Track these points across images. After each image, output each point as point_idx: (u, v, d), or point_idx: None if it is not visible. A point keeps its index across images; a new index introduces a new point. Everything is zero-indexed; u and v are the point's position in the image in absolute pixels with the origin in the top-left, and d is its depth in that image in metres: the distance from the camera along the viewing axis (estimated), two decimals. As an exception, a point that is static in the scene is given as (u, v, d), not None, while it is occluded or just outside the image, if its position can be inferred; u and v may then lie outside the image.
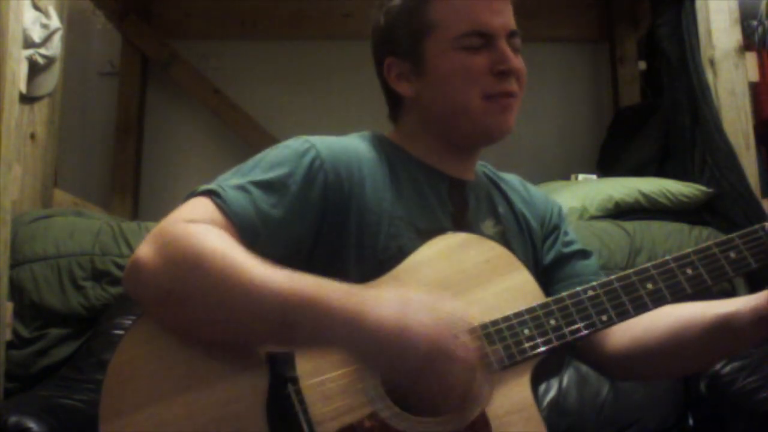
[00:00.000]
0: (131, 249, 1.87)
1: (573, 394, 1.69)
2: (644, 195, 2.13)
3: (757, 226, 0.96)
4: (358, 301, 0.83)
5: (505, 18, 1.08)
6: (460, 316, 0.92)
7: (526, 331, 0.92)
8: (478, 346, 0.89)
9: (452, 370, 0.82)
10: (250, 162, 1.02)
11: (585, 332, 0.93)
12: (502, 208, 1.14)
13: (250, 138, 3.05)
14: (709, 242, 0.96)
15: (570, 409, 1.68)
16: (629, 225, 1.99)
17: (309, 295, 0.82)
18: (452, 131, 1.08)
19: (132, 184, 3.06)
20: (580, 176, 2.52)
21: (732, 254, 0.94)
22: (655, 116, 2.60)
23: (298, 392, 0.86)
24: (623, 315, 0.94)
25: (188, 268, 0.84)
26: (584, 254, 1.17)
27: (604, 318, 0.93)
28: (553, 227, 1.18)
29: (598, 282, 0.96)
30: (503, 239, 1.08)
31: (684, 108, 2.30)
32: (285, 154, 1.00)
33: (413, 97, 1.09)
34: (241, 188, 0.95)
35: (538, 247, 1.15)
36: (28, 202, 2.02)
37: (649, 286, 0.94)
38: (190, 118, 3.18)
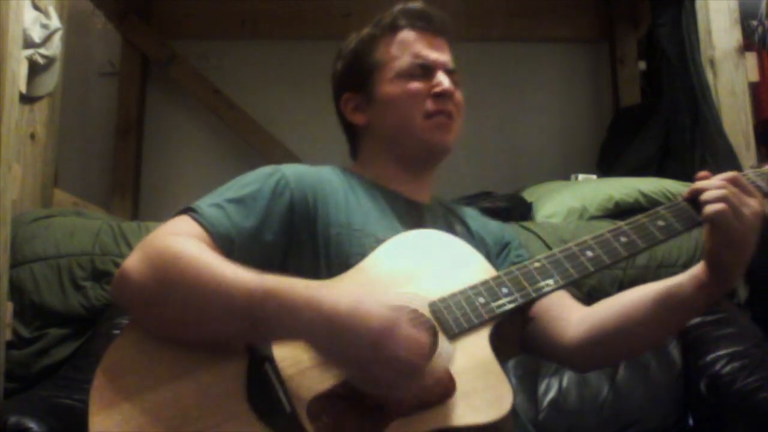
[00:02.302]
0: (131, 249, 1.85)
1: (573, 394, 1.69)
2: (644, 195, 2.13)
3: (680, 199, 1.06)
4: (316, 290, 0.90)
5: (443, 56, 1.25)
6: (419, 296, 1.01)
7: (481, 299, 1.01)
8: (428, 326, 0.97)
9: (402, 349, 0.86)
10: (224, 186, 1.14)
11: (534, 295, 1.02)
12: (459, 227, 1.26)
13: (250, 138, 3.05)
14: (639, 216, 1.06)
15: (570, 409, 1.68)
16: (629, 225, 1.99)
17: (272, 288, 0.89)
18: (400, 150, 1.23)
19: (132, 184, 3.05)
20: (580, 176, 2.52)
21: (660, 222, 1.05)
22: (655, 116, 2.60)
23: (275, 369, 0.93)
24: (567, 278, 1.03)
25: (168, 271, 0.93)
26: None
27: (551, 282, 1.03)
28: (505, 244, 1.30)
29: (543, 255, 1.06)
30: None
31: (684, 108, 2.30)
32: (254, 176, 1.14)
33: (366, 125, 1.26)
34: (216, 205, 1.07)
35: (492, 260, 1.22)
36: (28, 202, 2.02)
37: (589, 253, 1.04)
38: (190, 118, 3.18)
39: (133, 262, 0.96)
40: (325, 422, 0.89)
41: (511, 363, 1.73)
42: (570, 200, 2.16)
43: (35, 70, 2.01)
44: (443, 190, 2.43)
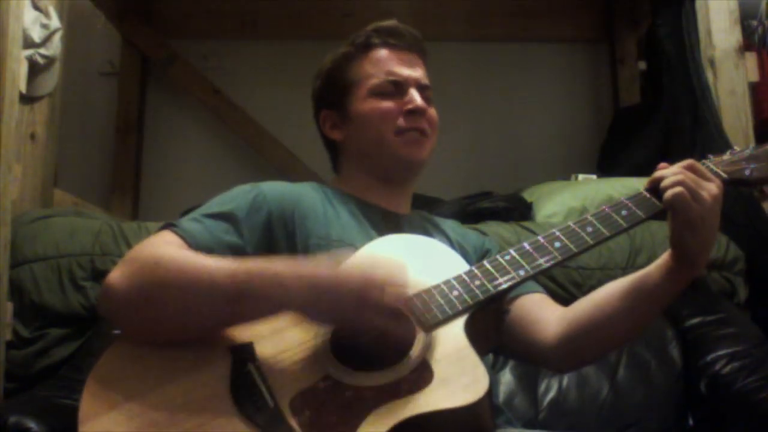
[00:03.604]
0: (131, 249, 1.87)
1: (573, 394, 1.69)
2: (644, 195, 2.13)
3: (642, 190, 1.10)
4: (295, 262, 0.98)
5: (416, 72, 1.29)
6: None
7: (455, 292, 1.04)
8: (407, 297, 1.01)
9: (383, 307, 0.94)
10: (204, 205, 1.18)
11: (506, 285, 1.05)
12: (437, 237, 1.28)
13: (250, 138, 3.05)
14: (603, 207, 1.10)
15: (570, 409, 1.68)
16: (629, 225, 1.99)
17: (254, 267, 0.97)
18: (375, 165, 1.28)
19: (132, 184, 3.05)
20: (580, 176, 2.52)
21: (623, 212, 1.08)
22: (655, 116, 2.60)
23: (258, 368, 0.96)
24: (537, 267, 1.06)
25: (152, 275, 0.98)
26: None
27: (522, 273, 1.05)
28: (485, 252, 1.34)
29: (513, 247, 1.09)
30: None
31: (684, 108, 2.30)
32: (233, 194, 1.19)
33: (343, 142, 1.32)
34: (196, 220, 1.12)
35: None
36: (28, 202, 2.02)
37: (557, 244, 1.07)
38: (190, 118, 3.17)
39: (116, 275, 1.00)
40: (307, 416, 0.91)
41: (511, 363, 1.73)
42: (570, 200, 2.16)
43: (35, 70, 2.01)
44: (443, 190, 2.44)
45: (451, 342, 0.99)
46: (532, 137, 3.14)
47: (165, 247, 1.04)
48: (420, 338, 0.99)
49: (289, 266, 0.97)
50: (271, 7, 3.15)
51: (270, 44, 3.20)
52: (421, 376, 0.94)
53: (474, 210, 2.14)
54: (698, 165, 1.07)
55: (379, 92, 1.26)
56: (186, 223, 1.11)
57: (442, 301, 1.03)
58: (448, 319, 1.01)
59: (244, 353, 0.98)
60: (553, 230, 1.09)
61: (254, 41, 3.20)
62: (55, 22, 2.06)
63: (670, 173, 1.05)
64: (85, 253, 1.85)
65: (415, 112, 1.25)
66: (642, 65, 3.12)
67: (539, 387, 1.71)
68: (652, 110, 2.65)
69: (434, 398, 0.91)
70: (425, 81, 1.30)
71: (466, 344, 0.98)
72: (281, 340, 0.99)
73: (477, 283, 1.05)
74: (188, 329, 0.98)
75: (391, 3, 2.87)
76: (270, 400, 0.93)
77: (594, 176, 2.55)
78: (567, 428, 1.65)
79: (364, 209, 1.26)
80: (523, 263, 1.06)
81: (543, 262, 1.06)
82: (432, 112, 1.29)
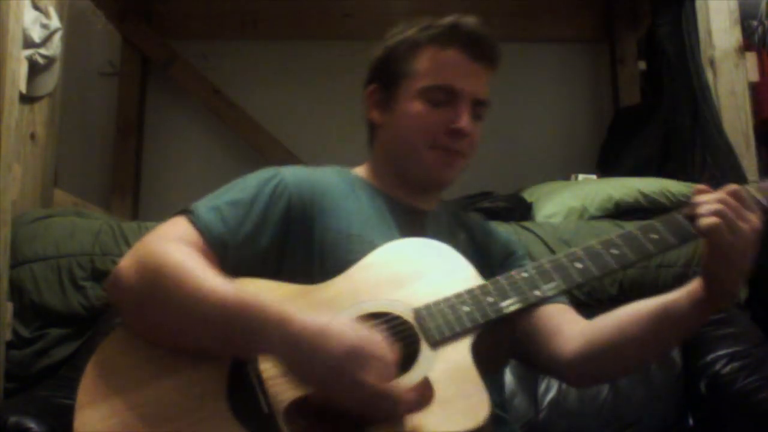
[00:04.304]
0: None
1: (573, 394, 1.69)
2: (644, 195, 2.13)
3: (676, 212, 1.03)
4: (288, 310, 0.90)
5: (476, 86, 1.18)
6: (403, 302, 1.01)
7: (466, 308, 0.99)
8: (409, 341, 0.96)
9: (365, 374, 0.86)
10: (223, 188, 1.13)
11: (519, 305, 1.01)
12: (461, 236, 1.24)
13: (250, 138, 3.05)
14: (633, 227, 1.04)
15: (570, 409, 1.68)
16: (629, 225, 1.98)
17: (246, 305, 0.91)
18: (401, 168, 1.20)
19: (132, 184, 3.06)
20: (580, 176, 2.52)
21: (653, 235, 1.02)
22: (655, 116, 2.60)
23: (257, 370, 0.94)
24: (555, 289, 1.02)
25: (154, 276, 0.95)
26: None
27: (537, 293, 1.01)
28: (509, 253, 1.28)
29: (531, 264, 1.05)
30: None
31: (684, 108, 2.30)
32: (253, 181, 1.13)
33: (380, 127, 1.23)
34: (213, 208, 1.07)
35: (496, 270, 1.19)
36: (28, 202, 2.02)
37: (578, 265, 1.02)
38: (190, 118, 3.18)
39: (125, 264, 0.99)
40: (301, 425, 0.89)
41: (511, 362, 1.73)
42: (570, 200, 2.16)
43: (35, 70, 2.01)
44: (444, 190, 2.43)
45: (456, 361, 0.95)
46: (532, 137, 3.14)
47: (173, 247, 0.99)
48: (424, 353, 0.96)
49: (281, 313, 0.90)
50: (271, 7, 3.15)
51: (270, 44, 3.20)
52: (423, 394, 0.90)
53: (474, 210, 2.14)
54: (742, 192, 0.97)
55: (430, 97, 1.16)
56: (203, 211, 1.06)
57: (451, 317, 0.98)
58: (455, 336, 0.97)
59: None
60: (576, 249, 1.03)
61: (254, 41, 3.20)
62: (55, 22, 2.06)
63: (711, 200, 0.97)
64: (85, 253, 1.85)
65: (458, 133, 1.15)
66: (642, 65, 3.13)
67: (539, 387, 1.71)
68: (652, 110, 2.65)
69: (432, 421, 0.88)
70: (484, 97, 1.19)
71: (470, 365, 0.94)
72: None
73: (489, 300, 1.00)
74: (182, 342, 0.95)
75: (391, 3, 2.88)
76: (265, 406, 0.91)
77: (594, 176, 2.55)
78: (567, 428, 1.65)
79: (389, 204, 1.20)
80: (540, 283, 1.02)
81: (562, 284, 1.01)
82: (477, 132, 1.19)
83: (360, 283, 1.04)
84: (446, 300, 1.01)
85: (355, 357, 0.86)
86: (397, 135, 1.19)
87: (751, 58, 2.25)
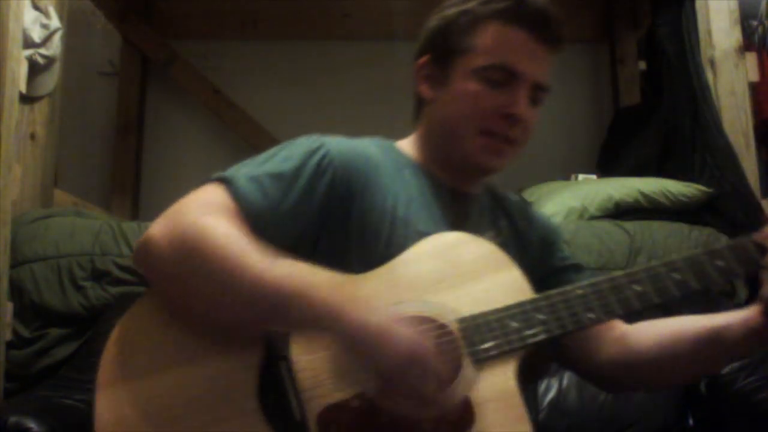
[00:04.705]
0: (131, 249, 1.87)
1: (573, 394, 1.69)
2: (644, 195, 2.13)
3: (746, 238, 0.97)
4: (346, 297, 0.86)
5: (538, 69, 1.09)
6: (449, 307, 0.95)
7: (514, 324, 0.94)
8: (454, 354, 0.91)
9: (422, 382, 0.84)
10: (264, 155, 1.05)
11: (571, 328, 0.95)
12: (504, 222, 1.17)
13: (250, 138, 3.05)
14: (699, 250, 0.98)
15: (570, 409, 1.68)
16: (629, 225, 1.99)
17: (301, 290, 0.85)
18: (448, 150, 1.11)
19: (132, 184, 3.06)
20: (580, 176, 2.52)
21: (719, 262, 0.96)
22: (655, 116, 2.60)
23: (290, 370, 0.89)
24: (610, 314, 0.96)
25: (192, 250, 0.88)
26: (577, 268, 1.20)
27: (591, 315, 0.95)
28: (550, 243, 1.21)
29: (587, 282, 0.98)
30: (502, 250, 1.08)
31: (684, 108, 2.30)
32: (297, 151, 1.04)
33: (429, 103, 1.13)
34: (254, 179, 0.98)
35: (536, 260, 1.16)
36: (28, 202, 2.02)
37: (637, 287, 0.96)
38: (190, 118, 3.18)
39: (158, 233, 0.91)
40: None
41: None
42: (570, 200, 2.16)
43: (35, 70, 2.01)
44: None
45: (499, 384, 0.91)
46: (532, 137, 3.13)
47: (215, 222, 0.91)
48: (466, 369, 0.91)
49: (339, 305, 0.85)
50: (271, 7, 3.15)
51: (270, 44, 3.20)
52: (462, 417, 0.87)
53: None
54: None
55: (488, 77, 1.05)
56: (243, 181, 0.97)
57: (499, 332, 0.93)
58: (500, 355, 0.92)
59: (278, 347, 0.90)
60: (637, 270, 0.97)
61: (254, 41, 3.20)
62: (55, 22, 2.06)
63: None
64: (85, 253, 1.85)
65: (513, 119, 1.06)
66: (642, 65, 3.13)
67: (539, 387, 1.71)
68: (652, 110, 2.65)
69: None
70: (544, 81, 1.10)
71: (515, 392, 0.90)
72: (319, 338, 0.90)
73: (540, 317, 0.94)
74: (219, 318, 0.90)
75: (391, 3, 2.87)
76: (297, 411, 0.86)
77: (594, 176, 2.55)
78: (567, 428, 1.65)
79: (434, 185, 1.11)
80: (594, 305, 0.95)
81: (617, 308, 0.95)
82: (533, 118, 1.10)
83: (402, 279, 0.97)
84: (495, 312, 0.95)
85: (414, 364, 0.83)
86: (446, 115, 1.10)
87: (751, 58, 2.25)
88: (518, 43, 1.07)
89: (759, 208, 2.05)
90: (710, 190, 2.13)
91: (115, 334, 0.90)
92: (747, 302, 1.88)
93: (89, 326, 1.80)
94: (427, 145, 1.14)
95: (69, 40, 2.26)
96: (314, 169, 1.01)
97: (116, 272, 1.83)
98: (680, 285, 0.95)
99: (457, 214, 1.10)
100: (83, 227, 1.91)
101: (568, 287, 0.98)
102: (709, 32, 2.22)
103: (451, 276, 0.98)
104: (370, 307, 0.87)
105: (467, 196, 1.14)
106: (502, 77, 1.06)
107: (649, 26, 2.85)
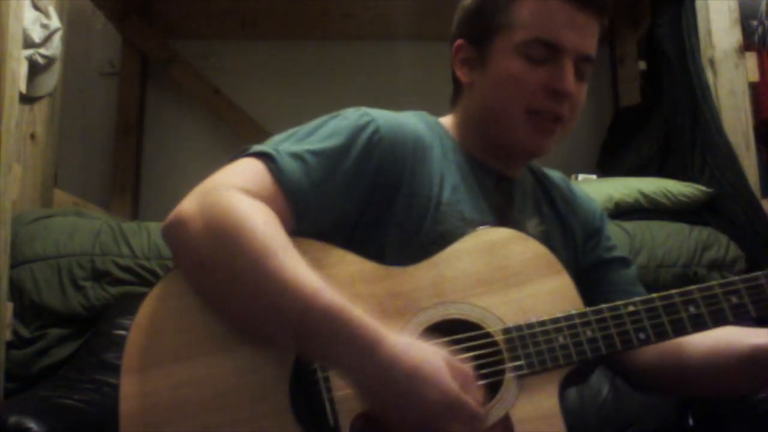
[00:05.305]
0: (131, 249, 1.87)
1: (573, 394, 1.69)
2: (644, 195, 2.13)
3: (764, 277, 0.93)
4: (378, 331, 0.80)
5: (582, 39, 1.02)
6: (493, 315, 0.91)
7: (561, 339, 0.90)
8: (497, 369, 0.88)
9: (459, 426, 0.79)
10: (306, 128, 0.98)
11: (620, 348, 0.92)
12: (546, 208, 1.13)
13: (250, 138, 3.04)
14: (759, 272, 0.93)
15: (570, 409, 1.66)
16: (629, 225, 1.99)
17: (333, 307, 0.79)
18: (491, 134, 1.06)
19: (132, 184, 3.06)
20: (580, 176, 2.52)
21: (734, 299, 0.92)
22: (655, 116, 2.60)
23: (324, 371, 0.85)
24: (662, 336, 0.92)
25: (226, 242, 0.83)
26: (624, 262, 1.16)
27: (642, 336, 0.92)
28: (595, 230, 1.16)
29: (640, 299, 0.94)
30: (546, 239, 1.05)
31: (684, 108, 2.30)
32: (344, 125, 0.97)
33: (469, 87, 1.07)
34: (297, 156, 0.92)
35: (578, 249, 1.13)
36: (28, 202, 2.02)
37: (692, 309, 0.92)
38: (190, 118, 3.18)
39: (190, 209, 0.86)
40: None
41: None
42: (570, 200, 2.16)
43: (35, 70, 2.01)
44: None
45: (541, 402, 0.88)
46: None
47: (254, 211, 0.84)
48: (507, 384, 0.88)
49: (370, 337, 0.79)
50: (271, 7, 3.14)
51: (270, 44, 3.20)
52: None
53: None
54: None
55: (530, 52, 0.99)
56: (286, 158, 0.91)
57: (544, 347, 0.90)
58: (545, 371, 0.89)
59: None
60: (693, 288, 0.93)
61: (254, 41, 3.20)
62: (55, 22, 2.06)
63: None
64: (85, 253, 1.85)
65: (560, 94, 1.00)
66: (642, 65, 3.12)
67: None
68: (652, 110, 2.65)
69: None
70: (590, 52, 1.03)
71: (557, 410, 0.88)
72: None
73: (588, 334, 0.91)
74: (243, 318, 0.85)
75: (391, 3, 2.87)
76: (330, 417, 0.83)
77: (594, 176, 2.55)
78: (567, 428, 1.65)
79: (477, 169, 1.06)
80: (647, 325, 0.92)
81: (670, 330, 0.92)
82: (581, 94, 1.03)
83: (446, 276, 0.93)
84: (541, 324, 0.91)
85: (449, 408, 0.78)
86: (488, 98, 1.04)
87: (751, 58, 2.25)
88: (559, 13, 0.99)
89: (759, 208, 2.05)
90: (710, 190, 2.13)
91: (139, 317, 0.85)
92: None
93: (89, 326, 1.80)
94: (470, 128, 1.09)
95: (69, 40, 2.26)
96: (363, 148, 0.95)
97: (116, 272, 1.83)
98: (737, 309, 0.92)
99: (502, 200, 1.06)
100: (83, 227, 1.91)
101: (620, 302, 0.94)
102: (709, 32, 2.22)
103: (498, 278, 0.94)
104: (402, 345, 0.81)
105: (511, 180, 1.09)
106: (545, 52, 1.00)
107: (649, 26, 2.85)
